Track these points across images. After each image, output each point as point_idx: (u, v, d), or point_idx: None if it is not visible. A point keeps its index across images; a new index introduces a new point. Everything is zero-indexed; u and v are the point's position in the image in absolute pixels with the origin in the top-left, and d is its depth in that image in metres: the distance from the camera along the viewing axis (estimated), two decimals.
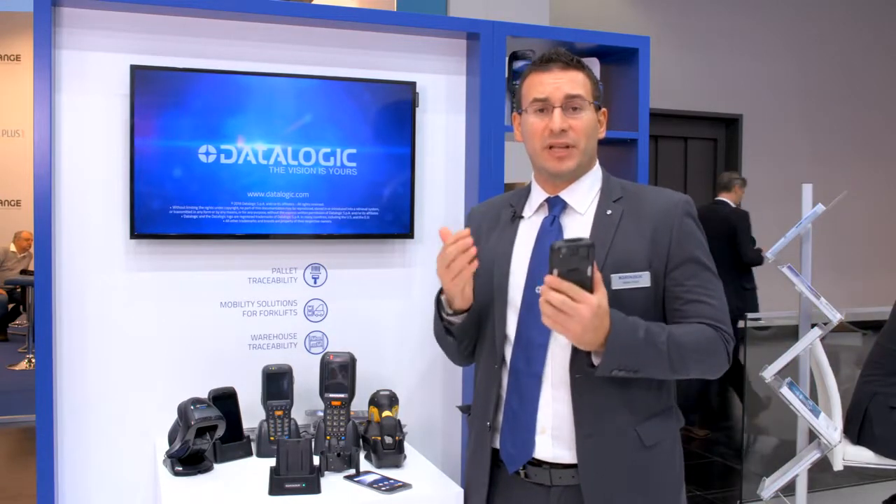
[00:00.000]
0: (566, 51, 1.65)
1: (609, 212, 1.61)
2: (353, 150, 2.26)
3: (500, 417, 1.65)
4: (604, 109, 1.68)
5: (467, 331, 1.68)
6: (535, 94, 1.61)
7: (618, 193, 1.64)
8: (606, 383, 1.53)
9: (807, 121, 9.16)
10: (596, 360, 1.49)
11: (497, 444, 1.65)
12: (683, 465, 1.69)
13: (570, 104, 1.59)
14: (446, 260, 1.55)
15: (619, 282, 1.55)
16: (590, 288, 1.42)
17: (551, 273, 1.41)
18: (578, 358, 1.54)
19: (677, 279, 1.58)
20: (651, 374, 1.52)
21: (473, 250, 1.55)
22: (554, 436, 1.58)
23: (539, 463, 1.60)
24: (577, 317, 1.40)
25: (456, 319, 1.66)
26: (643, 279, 1.56)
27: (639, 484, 1.58)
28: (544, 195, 1.66)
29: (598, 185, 1.67)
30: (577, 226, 1.62)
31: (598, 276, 1.43)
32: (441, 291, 1.68)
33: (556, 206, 1.64)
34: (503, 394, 1.64)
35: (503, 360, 1.64)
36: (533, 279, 1.59)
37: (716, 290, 1.60)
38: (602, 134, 1.68)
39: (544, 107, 1.60)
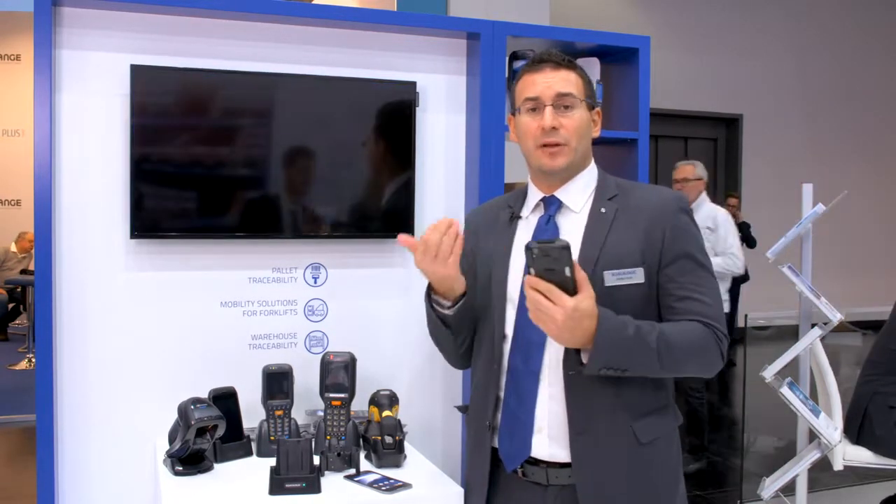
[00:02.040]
0: (558, 51, 1.67)
1: (603, 210, 1.62)
2: (354, 150, 2.26)
3: (499, 417, 1.65)
4: (598, 109, 1.69)
5: (463, 319, 1.67)
6: (527, 94, 1.63)
7: (612, 191, 1.65)
8: (600, 381, 1.53)
9: (807, 121, 9.16)
10: (585, 359, 1.49)
11: (496, 444, 1.65)
12: (681, 462, 1.69)
13: (562, 102, 1.60)
14: (432, 248, 1.55)
15: (613, 278, 1.56)
16: (571, 289, 1.41)
17: (529, 273, 1.42)
18: (570, 355, 1.54)
19: (671, 276, 1.58)
20: (641, 373, 1.52)
21: (457, 228, 1.55)
22: (550, 434, 1.58)
23: (536, 462, 1.60)
24: (551, 318, 1.41)
25: (450, 312, 1.64)
26: (636, 275, 1.57)
27: (634, 481, 1.57)
28: (540, 195, 1.67)
29: (593, 183, 1.68)
30: (573, 224, 1.63)
31: (581, 276, 1.43)
32: (431, 289, 1.66)
33: (551, 206, 1.65)
34: (501, 394, 1.65)
35: (501, 358, 1.65)
36: None
37: (709, 287, 1.60)
38: (596, 133, 1.68)
39: (536, 106, 1.62)
